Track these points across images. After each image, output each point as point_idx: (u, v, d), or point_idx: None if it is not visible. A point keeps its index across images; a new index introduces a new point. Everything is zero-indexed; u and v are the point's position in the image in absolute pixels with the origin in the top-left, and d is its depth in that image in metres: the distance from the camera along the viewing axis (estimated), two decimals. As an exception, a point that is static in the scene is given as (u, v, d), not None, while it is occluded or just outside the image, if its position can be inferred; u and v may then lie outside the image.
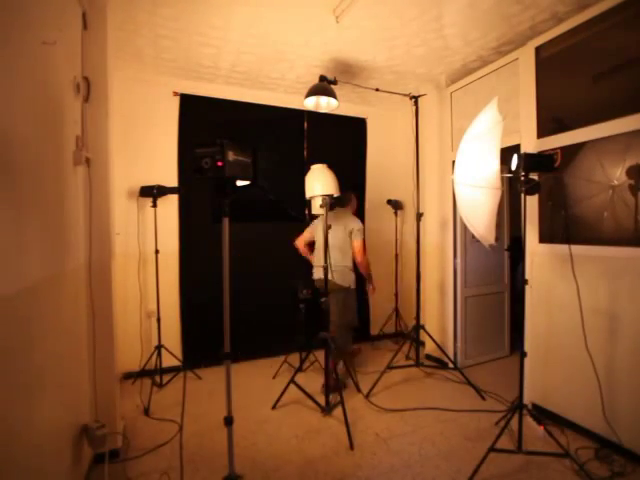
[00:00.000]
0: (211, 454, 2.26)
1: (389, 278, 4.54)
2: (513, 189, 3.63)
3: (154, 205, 3.18)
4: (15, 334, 1.22)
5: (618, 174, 2.21)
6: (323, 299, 2.73)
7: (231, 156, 1.46)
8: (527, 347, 2.33)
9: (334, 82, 2.84)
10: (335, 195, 2.87)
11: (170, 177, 3.55)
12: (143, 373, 3.32)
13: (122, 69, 3.29)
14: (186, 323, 3.61)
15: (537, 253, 2.68)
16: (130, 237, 3.39)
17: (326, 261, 2.70)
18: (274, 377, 3.41)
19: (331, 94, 2.79)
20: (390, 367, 3.21)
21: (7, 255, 1.16)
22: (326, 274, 2.72)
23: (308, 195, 2.88)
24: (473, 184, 2.20)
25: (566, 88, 2.59)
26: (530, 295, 2.67)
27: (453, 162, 2.51)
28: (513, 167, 2.12)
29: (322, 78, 2.81)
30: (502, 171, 2.16)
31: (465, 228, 3.44)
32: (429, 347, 3.84)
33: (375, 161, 4.52)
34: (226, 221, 1.57)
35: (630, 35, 2.19)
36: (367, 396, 2.97)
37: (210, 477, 2.05)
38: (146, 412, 2.74)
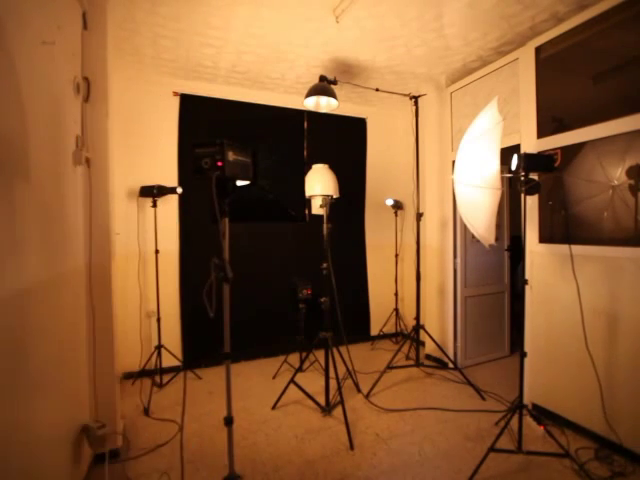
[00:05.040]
0: (211, 454, 2.26)
1: (389, 278, 4.54)
2: (513, 189, 3.63)
3: (154, 205, 3.18)
4: (13, 335, 1.22)
5: (618, 174, 2.21)
6: (323, 299, 2.73)
7: (231, 156, 1.46)
8: (527, 347, 2.33)
9: (334, 82, 2.83)
10: (335, 196, 2.87)
11: (170, 177, 3.55)
12: (143, 373, 3.32)
13: (122, 69, 3.29)
14: (186, 323, 3.61)
15: (537, 253, 2.68)
16: (130, 237, 3.39)
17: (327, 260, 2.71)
18: (274, 377, 3.41)
19: (331, 94, 2.79)
20: (390, 367, 3.21)
21: (4, 255, 1.16)
22: (327, 274, 2.71)
23: (308, 194, 2.89)
24: (473, 184, 2.20)
25: (566, 88, 2.59)
26: (530, 295, 2.67)
27: (453, 162, 2.51)
28: (513, 167, 2.13)
29: (322, 78, 2.81)
30: (502, 171, 2.16)
31: (465, 228, 3.44)
32: (429, 347, 3.84)
33: (375, 161, 4.52)
34: (226, 221, 1.57)
35: (630, 35, 2.18)
36: (367, 396, 2.97)
37: (210, 477, 2.05)
38: (146, 412, 2.74)
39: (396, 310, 4.53)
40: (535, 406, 2.66)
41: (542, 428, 2.31)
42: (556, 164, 2.51)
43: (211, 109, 3.69)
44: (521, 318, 2.33)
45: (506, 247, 3.65)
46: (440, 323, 3.70)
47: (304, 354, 3.40)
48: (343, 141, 4.31)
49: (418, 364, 3.32)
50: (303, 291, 3.34)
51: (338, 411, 2.66)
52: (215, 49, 3.01)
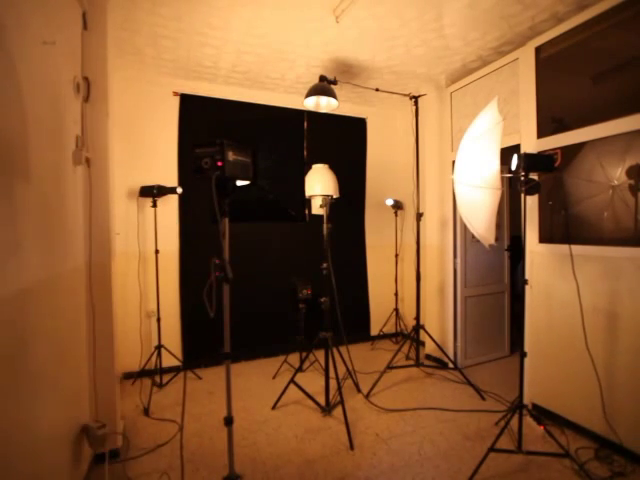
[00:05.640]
0: (211, 454, 2.26)
1: (389, 278, 4.54)
2: (513, 189, 3.63)
3: (154, 205, 3.18)
4: (12, 335, 1.22)
5: (618, 174, 2.21)
6: (323, 299, 2.73)
7: (231, 156, 1.46)
8: (527, 347, 2.33)
9: (334, 82, 2.83)
10: (335, 196, 2.88)
11: (170, 177, 3.55)
12: (143, 373, 3.32)
13: (122, 69, 3.29)
14: (186, 323, 3.61)
15: (537, 253, 2.68)
16: (130, 237, 3.39)
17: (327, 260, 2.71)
18: (274, 377, 3.41)
19: (331, 94, 2.79)
20: (390, 367, 3.21)
21: (5, 255, 1.16)
22: (327, 274, 2.71)
23: (308, 194, 2.90)
24: (473, 184, 2.20)
25: (566, 88, 2.59)
26: (530, 295, 2.67)
27: (453, 162, 2.51)
28: (513, 167, 2.13)
29: (322, 78, 2.81)
30: (502, 171, 2.16)
31: (465, 228, 3.44)
32: (429, 347, 3.84)
33: (375, 161, 4.52)
34: (226, 221, 1.57)
35: (630, 35, 2.19)
36: (367, 396, 2.97)
37: (210, 477, 2.05)
38: (146, 412, 2.74)
39: (396, 310, 4.53)
40: (535, 406, 2.66)
41: (542, 428, 2.31)
42: (556, 164, 2.51)
43: (211, 109, 3.69)
44: (521, 318, 2.33)
45: (506, 247, 3.65)
46: (440, 323, 3.70)
47: (304, 354, 3.40)
48: (343, 141, 4.31)
49: (418, 364, 3.32)
50: (303, 291, 3.34)
51: (338, 411, 2.66)
52: (215, 49, 3.01)
